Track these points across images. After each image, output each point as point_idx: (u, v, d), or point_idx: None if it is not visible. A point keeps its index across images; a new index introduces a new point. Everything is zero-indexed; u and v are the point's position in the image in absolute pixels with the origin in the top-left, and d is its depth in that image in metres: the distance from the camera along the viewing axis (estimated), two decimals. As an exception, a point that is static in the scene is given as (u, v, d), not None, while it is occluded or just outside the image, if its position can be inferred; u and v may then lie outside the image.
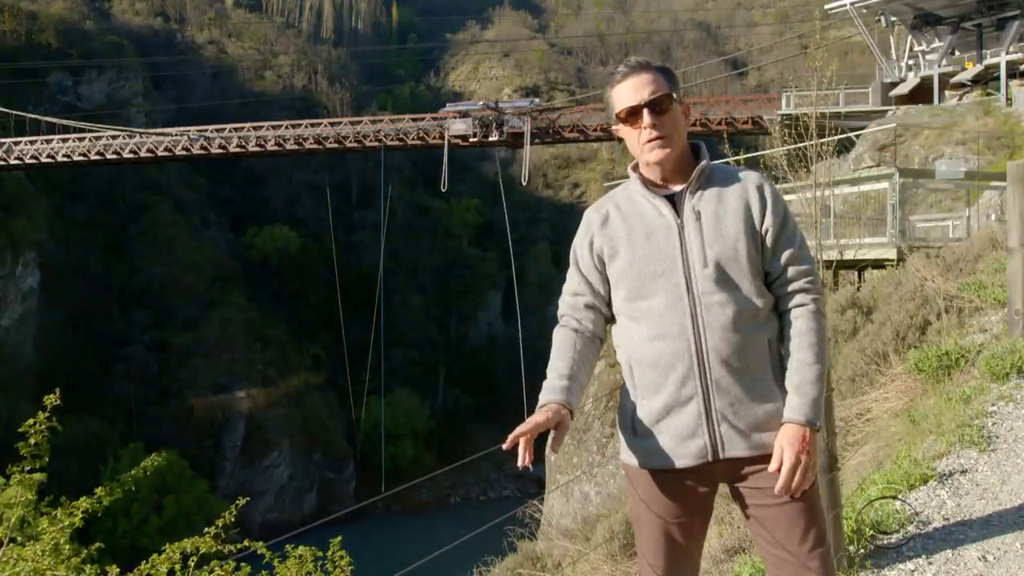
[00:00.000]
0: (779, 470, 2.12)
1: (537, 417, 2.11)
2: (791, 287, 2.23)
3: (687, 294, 2.17)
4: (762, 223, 2.21)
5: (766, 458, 2.17)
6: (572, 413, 2.17)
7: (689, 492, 2.24)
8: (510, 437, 2.06)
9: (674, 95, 2.24)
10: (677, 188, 2.25)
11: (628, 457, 2.29)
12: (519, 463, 2.04)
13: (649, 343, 2.19)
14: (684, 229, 2.20)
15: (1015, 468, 3.85)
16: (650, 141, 2.21)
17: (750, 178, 2.26)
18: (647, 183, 2.28)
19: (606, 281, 2.29)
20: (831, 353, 3.07)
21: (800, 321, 2.21)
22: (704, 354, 2.15)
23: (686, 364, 2.16)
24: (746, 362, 2.16)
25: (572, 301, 2.33)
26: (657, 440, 2.20)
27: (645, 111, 2.21)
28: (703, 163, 2.25)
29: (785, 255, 2.22)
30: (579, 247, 2.34)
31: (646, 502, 2.28)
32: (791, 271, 2.23)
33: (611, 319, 2.33)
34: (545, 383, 2.22)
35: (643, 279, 2.20)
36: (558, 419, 2.12)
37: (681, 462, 2.19)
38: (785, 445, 2.13)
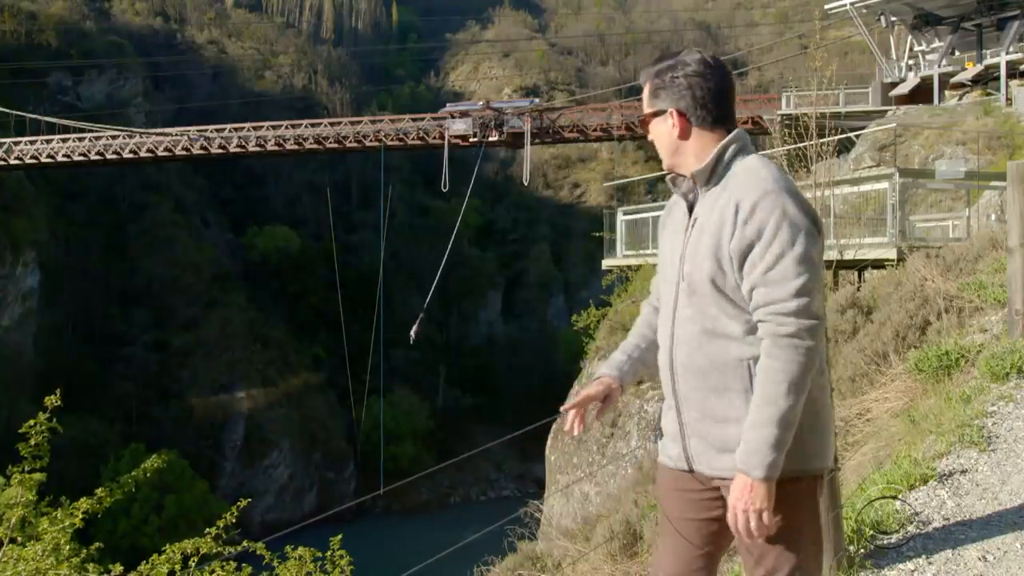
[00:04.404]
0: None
1: (589, 389, 2.25)
2: (756, 315, 2.02)
3: (675, 304, 2.17)
4: (730, 241, 2.02)
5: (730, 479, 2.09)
6: (623, 388, 2.29)
7: (687, 492, 2.24)
8: (563, 408, 2.25)
9: (657, 108, 2.14)
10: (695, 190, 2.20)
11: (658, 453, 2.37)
12: (567, 428, 2.25)
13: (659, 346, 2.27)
14: (688, 236, 2.15)
15: (1015, 468, 3.85)
16: None
17: (747, 188, 2.03)
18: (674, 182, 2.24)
19: None
20: (830, 354, 3.06)
21: (761, 357, 2.01)
22: (675, 367, 2.16)
23: (667, 374, 2.20)
24: (710, 381, 2.08)
25: (655, 279, 2.36)
26: (664, 436, 2.28)
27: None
28: (705, 164, 2.11)
29: (751, 278, 2.01)
30: (659, 228, 2.36)
31: (659, 497, 2.35)
32: (756, 297, 2.01)
33: None
34: (611, 355, 2.35)
35: (661, 280, 2.27)
36: (607, 392, 2.25)
37: (670, 462, 2.25)
38: (731, 497, 2.03)
